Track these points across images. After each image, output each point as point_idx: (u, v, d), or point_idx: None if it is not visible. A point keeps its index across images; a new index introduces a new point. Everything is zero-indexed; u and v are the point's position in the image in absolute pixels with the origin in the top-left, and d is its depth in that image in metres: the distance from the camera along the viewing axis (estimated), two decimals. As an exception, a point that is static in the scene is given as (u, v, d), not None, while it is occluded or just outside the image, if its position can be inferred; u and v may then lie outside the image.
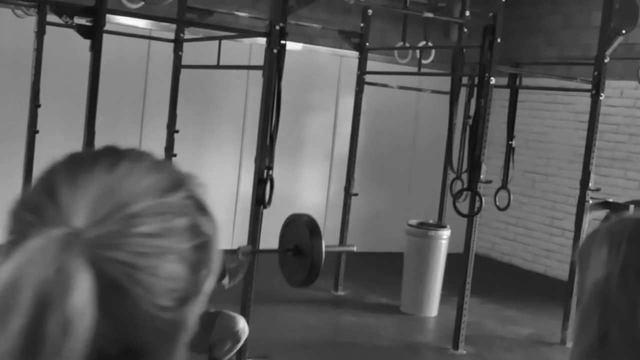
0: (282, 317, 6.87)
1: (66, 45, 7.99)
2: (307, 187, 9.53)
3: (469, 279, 6.33)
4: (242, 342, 4.94)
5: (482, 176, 6.23)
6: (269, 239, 9.26)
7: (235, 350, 4.91)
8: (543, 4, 10.02)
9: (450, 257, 7.50)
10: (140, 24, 8.03)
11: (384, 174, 9.96)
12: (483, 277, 9.28)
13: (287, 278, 5.30)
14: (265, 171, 5.40)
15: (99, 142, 8.29)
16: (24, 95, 6.61)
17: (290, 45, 9.17)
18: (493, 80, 6.16)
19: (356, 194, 7.72)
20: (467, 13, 7.70)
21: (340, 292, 7.71)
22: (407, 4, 7.97)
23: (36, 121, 6.34)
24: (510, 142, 7.45)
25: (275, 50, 5.34)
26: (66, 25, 4.86)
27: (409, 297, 7.26)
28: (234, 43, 8.61)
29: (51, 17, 6.60)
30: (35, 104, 6.35)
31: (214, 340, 4.87)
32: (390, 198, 9.94)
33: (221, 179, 8.94)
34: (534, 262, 9.79)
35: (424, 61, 8.12)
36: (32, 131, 6.37)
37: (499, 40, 6.14)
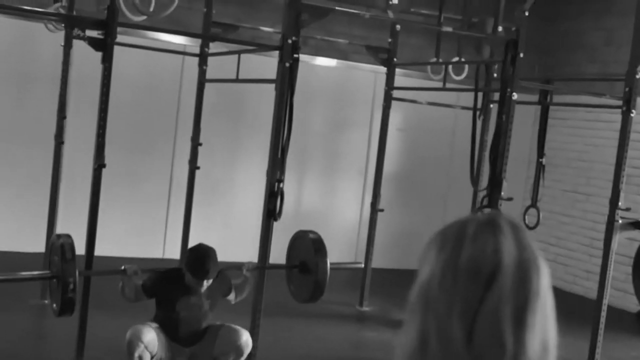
0: (302, 330, 6.83)
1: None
2: (341, 202, 9.50)
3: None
4: (245, 356, 4.93)
5: (503, 193, 6.11)
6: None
7: None
8: (585, 20, 9.85)
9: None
10: (175, 39, 8.15)
11: (419, 191, 9.88)
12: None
13: (293, 294, 5.31)
14: (276, 184, 5.40)
15: (133, 155, 8.41)
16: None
17: (324, 61, 9.23)
18: (515, 96, 6.06)
19: (382, 210, 7.67)
20: (500, 28, 7.60)
21: (365, 308, 7.64)
22: (440, 20, 7.92)
23: (62, 132, 6.49)
24: (540, 160, 7.30)
25: (287, 64, 5.36)
26: (78, 38, 4.94)
27: (433, 315, 7.14)
28: (268, 58, 8.64)
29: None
30: (61, 115, 6.48)
31: (217, 352, 4.87)
32: (425, 215, 9.83)
33: (252, 193, 8.98)
34: (574, 283, 9.56)
35: (457, 77, 8.05)
36: (59, 142, 6.52)
37: (521, 55, 6.05)
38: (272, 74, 8.50)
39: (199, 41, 7.46)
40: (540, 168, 7.29)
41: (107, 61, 5.00)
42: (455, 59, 7.95)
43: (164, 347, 4.81)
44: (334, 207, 9.47)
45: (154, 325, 4.81)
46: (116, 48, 6.92)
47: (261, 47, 5.97)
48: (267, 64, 8.43)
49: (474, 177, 7.05)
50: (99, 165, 4.97)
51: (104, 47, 4.95)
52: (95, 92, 8.20)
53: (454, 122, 9.87)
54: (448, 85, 7.60)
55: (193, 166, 6.95)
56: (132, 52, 7.13)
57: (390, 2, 7.52)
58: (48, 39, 7.19)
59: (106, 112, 5.02)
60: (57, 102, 7.17)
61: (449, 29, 6.58)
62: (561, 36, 10.07)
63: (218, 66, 7.01)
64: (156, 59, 7.82)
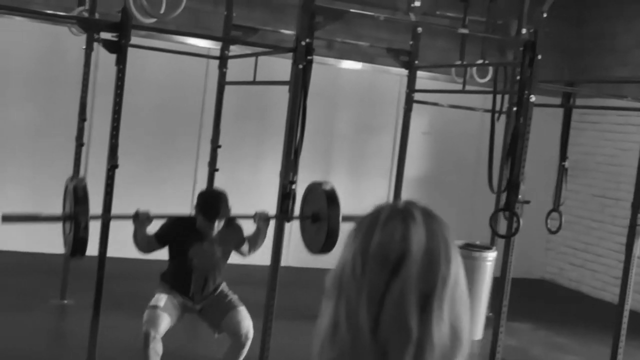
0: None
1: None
2: (367, 205, 9.45)
3: (505, 302, 6.13)
4: (246, 347, 4.96)
5: (520, 196, 6.06)
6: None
7: (240, 353, 4.93)
8: (617, 23, 9.72)
9: (516, 282, 7.20)
10: (200, 42, 8.22)
11: (446, 195, 9.82)
12: (546, 303, 9.02)
13: (307, 245, 5.30)
14: (289, 186, 5.40)
15: (157, 156, 8.48)
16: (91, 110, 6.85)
17: (350, 64, 9.23)
18: (533, 98, 6.00)
19: (403, 213, 7.62)
20: (524, 31, 7.54)
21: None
22: (465, 22, 7.91)
23: (82, 134, 6.57)
24: (563, 163, 7.22)
25: (300, 66, 5.37)
26: (94, 40, 5.01)
27: (453, 319, 7.09)
28: (288, 62, 8.69)
29: (105, 35, 6.84)
30: (81, 117, 6.57)
31: (223, 328, 4.94)
32: (452, 219, 9.67)
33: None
34: (603, 290, 9.42)
35: (481, 80, 8.01)
36: (79, 144, 6.60)
37: (539, 57, 5.99)
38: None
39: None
40: (562, 171, 7.21)
41: (121, 63, 5.05)
42: (479, 61, 7.90)
43: (175, 307, 4.86)
44: (359, 210, 9.45)
45: (164, 297, 4.82)
46: (143, 52, 7.03)
47: (276, 49, 5.97)
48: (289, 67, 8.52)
49: (492, 180, 6.95)
50: (112, 165, 5.02)
51: (118, 49, 5.01)
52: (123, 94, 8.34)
53: (481, 125, 9.78)
54: (472, 88, 7.55)
55: (212, 168, 6.99)
56: (159, 56, 7.22)
57: (412, 5, 7.51)
58: (74, 42, 7.28)
59: (119, 113, 5.07)
60: (89, 104, 7.31)
61: (465, 31, 6.55)
62: (592, 39, 9.95)
63: (241, 69, 7.06)
64: (182, 62, 7.90)
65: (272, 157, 8.99)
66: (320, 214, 5.15)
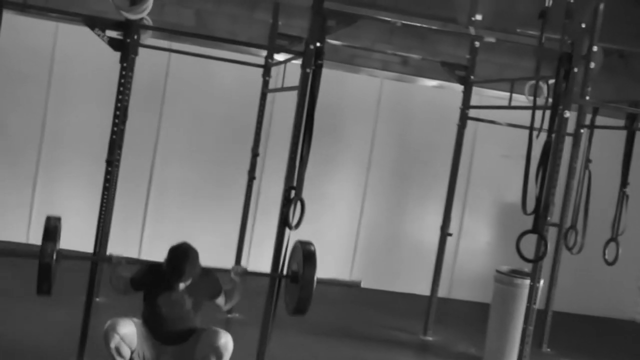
0: (358, 356, 6.56)
1: (189, 72, 8.38)
2: (425, 226, 9.08)
3: (528, 332, 5.72)
4: (225, 358, 4.82)
5: (549, 218, 5.65)
6: (386, 275, 9.01)
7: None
8: None
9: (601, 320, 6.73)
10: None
11: (520, 222, 9.31)
12: (619, 343, 8.40)
13: (286, 305, 5.10)
14: (292, 192, 5.25)
15: (215, 168, 8.51)
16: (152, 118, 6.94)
17: (425, 81, 8.98)
18: (567, 114, 5.61)
19: (450, 234, 7.29)
20: (595, 48, 7.10)
21: (429, 337, 7.27)
22: (542, 40, 7.57)
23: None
24: (624, 190, 6.68)
25: (308, 70, 5.24)
26: (101, 38, 5.09)
27: (493, 348, 6.69)
28: (363, 77, 8.61)
29: (153, 41, 6.96)
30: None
31: (198, 356, 4.79)
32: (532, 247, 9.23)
33: (342, 212, 8.88)
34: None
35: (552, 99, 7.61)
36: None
37: (576, 70, 5.60)
38: (372, 93, 8.46)
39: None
40: (623, 199, 6.68)
41: (125, 61, 5.10)
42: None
43: (148, 344, 4.80)
44: (413, 228, 9.17)
45: (137, 320, 4.81)
46: (210, 62, 7.09)
47: (296, 54, 5.83)
48: (365, 83, 8.50)
49: (526, 201, 6.50)
50: (109, 161, 5.07)
51: (122, 47, 5.06)
52: (187, 103, 8.48)
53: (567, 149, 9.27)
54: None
55: (251, 176, 6.96)
56: (228, 67, 7.25)
57: (473, 19, 7.23)
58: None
59: (123, 111, 5.12)
60: (157, 112, 7.47)
61: (492, 40, 6.21)
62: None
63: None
64: (247, 72, 7.91)
65: (339, 175, 8.87)
66: (297, 274, 4.94)
